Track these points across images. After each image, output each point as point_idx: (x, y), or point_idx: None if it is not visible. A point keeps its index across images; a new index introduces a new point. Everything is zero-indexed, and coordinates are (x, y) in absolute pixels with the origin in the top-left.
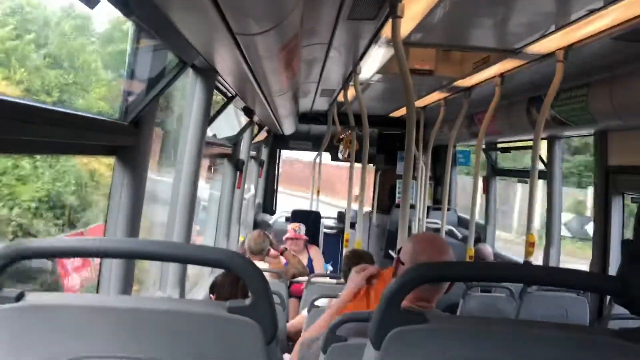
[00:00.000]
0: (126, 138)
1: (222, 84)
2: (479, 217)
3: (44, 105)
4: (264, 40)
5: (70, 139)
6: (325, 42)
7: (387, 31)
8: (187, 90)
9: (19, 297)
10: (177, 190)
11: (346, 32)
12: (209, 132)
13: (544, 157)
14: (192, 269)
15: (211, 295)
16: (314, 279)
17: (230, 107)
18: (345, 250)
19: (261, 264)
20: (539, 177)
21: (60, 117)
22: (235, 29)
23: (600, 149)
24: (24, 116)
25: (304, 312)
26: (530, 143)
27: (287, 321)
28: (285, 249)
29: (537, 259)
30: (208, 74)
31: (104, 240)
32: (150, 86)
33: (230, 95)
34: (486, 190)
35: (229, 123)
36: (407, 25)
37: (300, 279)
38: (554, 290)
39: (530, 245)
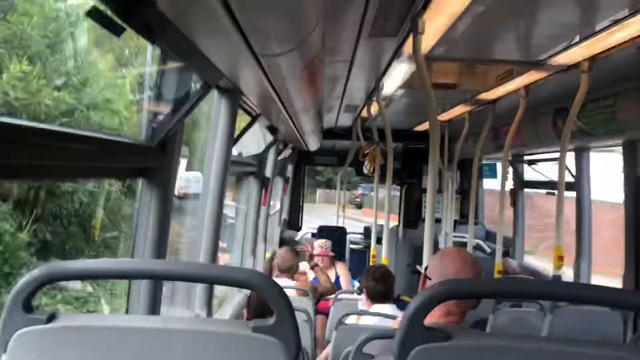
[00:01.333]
0: (153, 160)
1: (246, 104)
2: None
3: (71, 130)
4: (287, 60)
5: (98, 163)
6: (348, 59)
7: (408, 47)
8: (213, 111)
9: (50, 318)
10: (203, 209)
11: (368, 49)
12: (234, 151)
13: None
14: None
15: (245, 310)
16: (341, 296)
17: (256, 126)
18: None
19: (288, 282)
20: (568, 189)
21: (88, 141)
22: (258, 51)
23: (629, 159)
24: (53, 141)
25: (329, 347)
26: (558, 155)
27: (315, 338)
28: (316, 264)
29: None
30: (232, 95)
31: (133, 262)
32: (176, 107)
33: (254, 114)
34: (514, 203)
35: (255, 139)
36: (428, 41)
37: (327, 296)
38: (587, 305)
39: (559, 259)
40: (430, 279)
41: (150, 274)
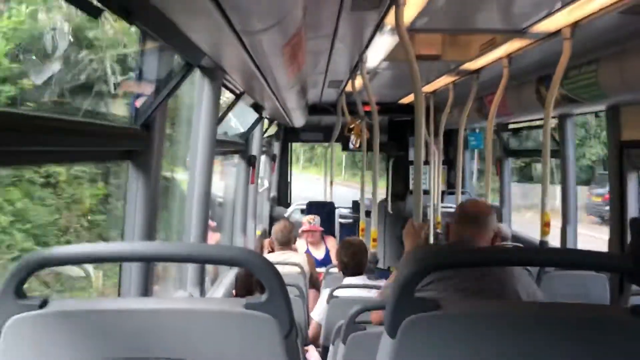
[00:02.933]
0: (138, 142)
1: (229, 82)
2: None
3: (57, 116)
4: (269, 36)
5: (85, 147)
6: (330, 33)
7: (391, 19)
8: (195, 91)
9: (43, 304)
10: (191, 190)
11: (350, 23)
12: (219, 130)
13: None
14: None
15: (234, 291)
16: (332, 270)
17: (240, 104)
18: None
19: (280, 256)
20: (552, 156)
21: (74, 126)
22: (239, 28)
23: (613, 124)
24: (38, 128)
25: (316, 317)
26: (542, 122)
27: (307, 313)
28: None
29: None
30: (215, 74)
31: (123, 245)
32: (159, 88)
33: (238, 92)
34: (499, 171)
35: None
36: (410, 12)
37: (318, 270)
38: (573, 269)
39: (545, 225)
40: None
41: (142, 256)
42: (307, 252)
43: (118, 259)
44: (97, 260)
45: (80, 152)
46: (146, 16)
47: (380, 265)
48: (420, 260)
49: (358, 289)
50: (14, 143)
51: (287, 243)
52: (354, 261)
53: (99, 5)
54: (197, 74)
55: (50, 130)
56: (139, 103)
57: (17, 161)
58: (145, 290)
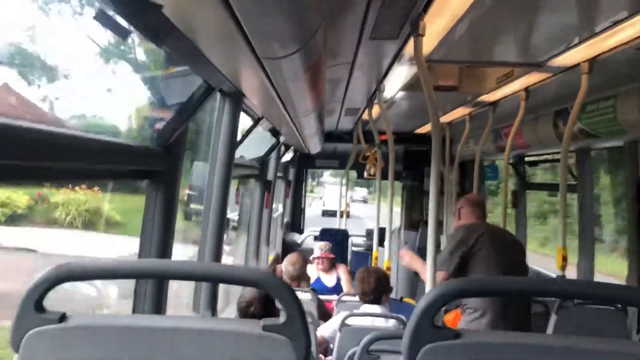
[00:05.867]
0: (158, 162)
1: (248, 107)
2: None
3: (79, 133)
4: (289, 63)
5: (104, 165)
6: (349, 62)
7: (409, 49)
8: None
9: (62, 318)
10: (207, 211)
11: (369, 52)
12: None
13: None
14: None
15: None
16: (343, 298)
17: (258, 129)
18: None
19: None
20: (570, 191)
21: (96, 145)
22: (261, 54)
23: (631, 160)
24: (60, 145)
25: (325, 331)
26: (559, 156)
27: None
28: None
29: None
30: (235, 98)
31: (143, 261)
32: (180, 111)
33: (257, 117)
34: (516, 204)
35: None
36: (429, 43)
37: (329, 297)
38: (591, 304)
39: (563, 260)
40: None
41: (163, 273)
42: (316, 282)
43: (139, 275)
44: (116, 276)
45: (101, 170)
46: (171, 39)
47: (392, 295)
48: (438, 290)
49: (371, 318)
50: (35, 159)
51: (297, 278)
52: (377, 290)
53: (128, 27)
54: (217, 97)
55: (73, 147)
56: (160, 124)
57: (38, 178)
58: (159, 308)
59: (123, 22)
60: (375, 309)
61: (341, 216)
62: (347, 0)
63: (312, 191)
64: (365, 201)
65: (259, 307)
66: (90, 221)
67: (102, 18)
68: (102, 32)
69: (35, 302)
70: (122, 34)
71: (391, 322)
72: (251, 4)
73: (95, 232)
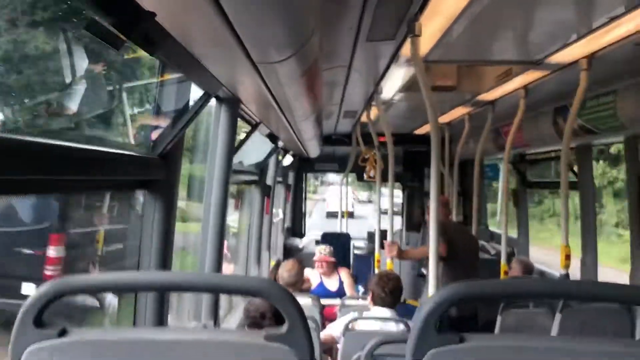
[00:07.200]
0: (156, 171)
1: (246, 112)
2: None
3: (75, 145)
4: (285, 67)
5: (101, 176)
6: (346, 64)
7: (406, 50)
8: (212, 121)
9: (62, 333)
10: (206, 219)
11: (365, 54)
12: (235, 159)
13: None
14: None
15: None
16: (347, 302)
17: (256, 134)
18: (377, 271)
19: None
20: (571, 188)
21: (93, 156)
22: (256, 59)
23: (631, 155)
24: (58, 157)
25: (335, 330)
26: (559, 154)
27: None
28: None
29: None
30: (232, 104)
31: (142, 274)
32: (176, 119)
33: (254, 122)
34: (517, 203)
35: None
36: (426, 44)
37: (332, 302)
38: (595, 303)
39: (566, 258)
40: None
41: (161, 286)
42: (317, 287)
43: (139, 288)
44: (116, 289)
45: (98, 181)
46: (165, 47)
47: None
48: (442, 293)
49: (381, 322)
50: (33, 171)
51: (293, 284)
52: (392, 294)
53: (121, 36)
54: (213, 103)
55: (70, 158)
56: (155, 133)
57: (34, 189)
58: (161, 320)
59: (115, 32)
60: (386, 312)
61: (342, 217)
62: (342, 2)
63: (314, 192)
64: (370, 201)
65: (273, 320)
66: None
67: (94, 28)
68: (95, 41)
69: (34, 317)
70: (115, 44)
71: (402, 327)
72: (245, 9)
73: None
